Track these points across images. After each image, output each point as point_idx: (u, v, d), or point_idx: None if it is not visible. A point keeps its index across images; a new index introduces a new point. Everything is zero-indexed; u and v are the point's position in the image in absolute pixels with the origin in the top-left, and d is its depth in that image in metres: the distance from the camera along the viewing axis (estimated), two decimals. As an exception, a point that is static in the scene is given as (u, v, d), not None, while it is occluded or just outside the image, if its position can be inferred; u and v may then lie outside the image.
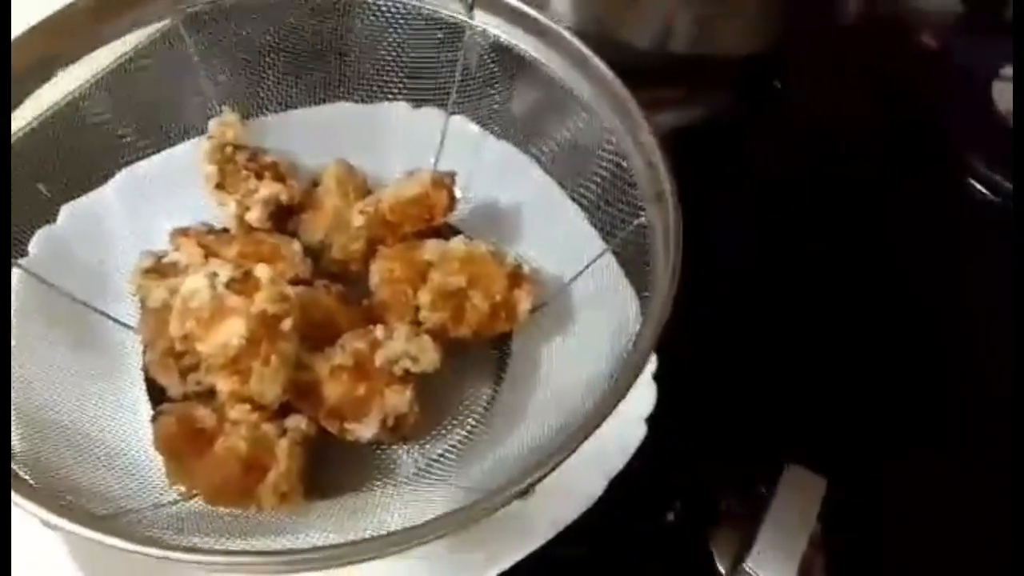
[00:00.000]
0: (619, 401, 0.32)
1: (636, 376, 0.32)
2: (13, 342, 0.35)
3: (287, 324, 0.34)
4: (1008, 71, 0.63)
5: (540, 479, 0.30)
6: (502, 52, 0.44)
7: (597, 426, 0.31)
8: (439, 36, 0.44)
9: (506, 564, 0.35)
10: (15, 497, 0.26)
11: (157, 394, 0.38)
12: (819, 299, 0.47)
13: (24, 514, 0.27)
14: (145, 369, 0.38)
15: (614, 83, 0.39)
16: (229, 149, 0.41)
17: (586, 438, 0.31)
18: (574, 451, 0.30)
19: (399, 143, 0.47)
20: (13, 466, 0.29)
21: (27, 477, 0.29)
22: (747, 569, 0.36)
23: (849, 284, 0.48)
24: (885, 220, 0.52)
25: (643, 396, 0.39)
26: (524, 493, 0.29)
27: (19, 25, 0.37)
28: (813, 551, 0.37)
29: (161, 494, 0.33)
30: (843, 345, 0.45)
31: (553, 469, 0.30)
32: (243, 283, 0.34)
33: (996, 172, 0.57)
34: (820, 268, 0.48)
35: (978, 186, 0.57)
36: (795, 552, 0.36)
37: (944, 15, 0.68)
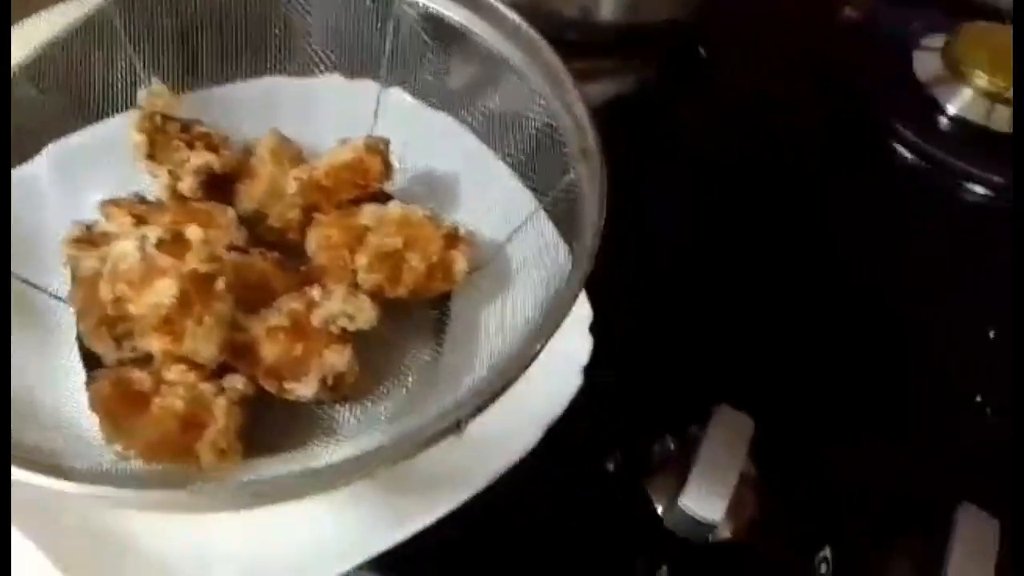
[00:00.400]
0: (547, 338, 0.33)
1: (563, 315, 0.33)
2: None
3: (220, 283, 0.35)
4: (928, 40, 0.65)
5: (471, 414, 0.30)
6: (433, 22, 0.44)
7: (526, 366, 0.32)
8: (368, 5, 0.45)
9: (442, 511, 0.35)
10: None
11: (93, 363, 0.38)
12: (746, 253, 0.48)
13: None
14: (79, 339, 0.38)
15: (544, 49, 0.41)
16: (159, 119, 0.41)
17: (517, 375, 0.31)
18: (505, 388, 0.31)
19: (333, 115, 0.48)
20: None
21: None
22: (682, 506, 0.37)
23: (776, 240, 0.50)
24: (813, 185, 0.54)
25: (580, 347, 0.40)
26: (456, 427, 0.30)
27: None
28: (744, 487, 0.38)
29: (102, 456, 0.33)
30: (767, 291, 0.47)
31: (485, 405, 0.31)
32: (173, 244, 0.34)
33: (919, 136, 0.60)
34: (748, 226, 0.50)
35: (902, 150, 0.59)
36: (726, 488, 0.37)
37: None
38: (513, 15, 0.42)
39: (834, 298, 0.47)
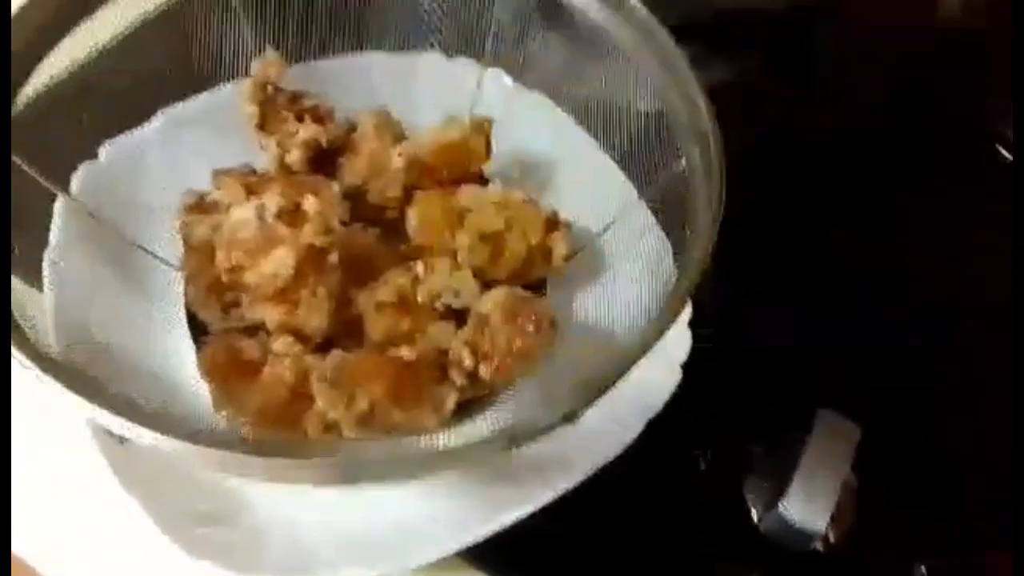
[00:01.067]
0: (660, 335, 0.32)
1: (678, 313, 0.33)
2: (59, 269, 0.35)
3: (333, 257, 0.35)
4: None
5: (586, 405, 0.30)
6: (541, 1, 0.44)
7: (638, 359, 0.32)
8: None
9: (544, 500, 0.35)
10: (86, 405, 0.26)
11: (198, 330, 0.38)
12: (852, 253, 0.47)
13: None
14: (187, 305, 0.38)
15: (657, 29, 0.40)
16: (271, 89, 0.41)
17: (630, 368, 0.31)
18: (618, 379, 0.31)
19: (433, 93, 0.48)
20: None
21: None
22: (782, 512, 0.36)
23: (881, 238, 0.48)
24: (915, 181, 0.52)
25: (678, 342, 0.40)
26: (571, 418, 0.30)
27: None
28: (847, 497, 0.37)
29: (209, 420, 0.34)
30: (877, 293, 0.45)
31: (598, 396, 0.30)
32: (292, 216, 0.34)
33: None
34: (858, 225, 0.48)
35: (1004, 152, 0.57)
36: (829, 497, 0.36)
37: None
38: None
39: (947, 306, 0.46)
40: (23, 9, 0.36)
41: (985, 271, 0.48)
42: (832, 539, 0.37)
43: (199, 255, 0.38)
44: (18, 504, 0.35)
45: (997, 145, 0.57)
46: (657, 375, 0.38)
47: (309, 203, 0.34)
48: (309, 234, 0.34)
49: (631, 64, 0.41)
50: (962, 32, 0.63)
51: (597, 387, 0.31)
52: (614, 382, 0.31)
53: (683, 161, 0.38)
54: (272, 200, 0.34)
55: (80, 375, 0.29)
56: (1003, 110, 0.57)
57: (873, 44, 0.57)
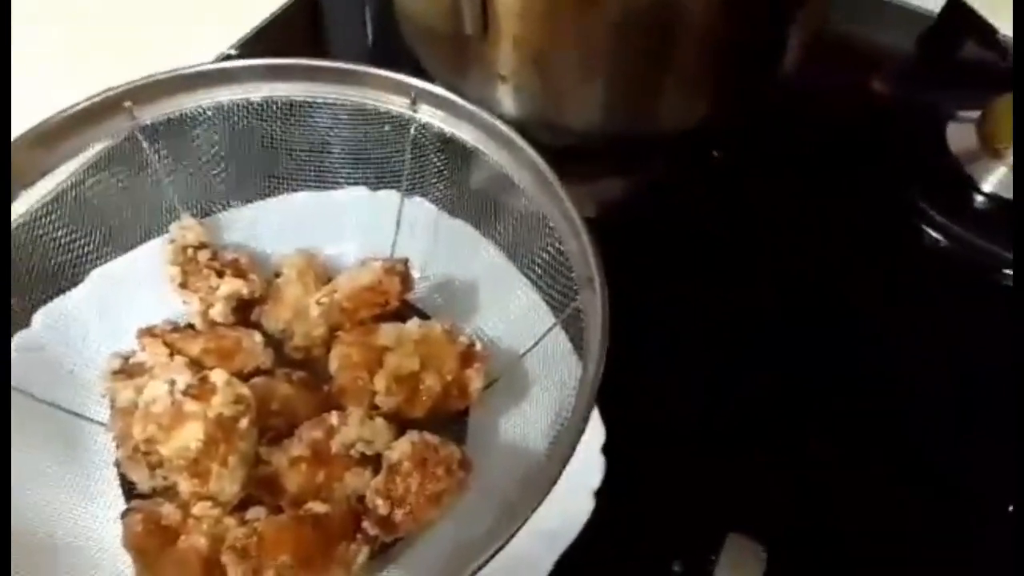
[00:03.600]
0: (554, 480, 0.33)
1: (572, 447, 0.34)
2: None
3: (244, 423, 0.37)
4: (965, 113, 0.64)
5: (480, 567, 0.31)
6: (446, 142, 0.46)
7: (534, 508, 0.33)
8: (386, 129, 0.47)
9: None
10: None
11: (130, 487, 0.40)
12: (762, 368, 0.48)
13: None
14: (117, 464, 0.40)
15: (545, 170, 0.41)
16: (190, 250, 0.44)
17: (520, 526, 0.32)
18: (507, 543, 0.32)
19: (358, 226, 0.50)
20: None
21: None
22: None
23: (793, 347, 0.49)
24: (835, 275, 0.53)
25: (592, 469, 0.41)
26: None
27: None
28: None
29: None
30: (786, 413, 0.46)
31: (494, 555, 0.32)
32: (200, 388, 0.36)
33: (950, 218, 0.58)
34: (765, 333, 0.50)
35: (931, 232, 0.58)
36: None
37: (894, 59, 0.70)
38: (517, 138, 0.43)
39: (857, 406, 0.47)
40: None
41: (894, 374, 0.49)
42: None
43: (125, 418, 0.39)
44: None
45: (922, 224, 0.58)
46: (570, 504, 0.40)
47: (216, 375, 0.36)
48: (217, 405, 0.36)
49: (532, 202, 0.43)
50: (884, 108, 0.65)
51: (491, 549, 0.32)
52: (502, 546, 0.32)
53: (577, 300, 0.40)
54: (182, 376, 0.36)
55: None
56: (926, 185, 0.58)
57: (772, 147, 0.59)
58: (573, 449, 0.35)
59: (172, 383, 0.36)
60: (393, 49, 0.59)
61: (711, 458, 0.43)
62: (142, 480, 0.39)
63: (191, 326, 0.44)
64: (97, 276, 0.45)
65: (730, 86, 0.52)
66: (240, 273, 0.44)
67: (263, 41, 0.63)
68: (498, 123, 0.43)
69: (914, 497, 0.43)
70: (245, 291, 0.44)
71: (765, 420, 0.45)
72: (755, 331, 0.49)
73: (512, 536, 0.33)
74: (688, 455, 0.43)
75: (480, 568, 0.32)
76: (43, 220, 0.42)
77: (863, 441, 0.45)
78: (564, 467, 0.34)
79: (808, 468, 0.44)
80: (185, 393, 0.36)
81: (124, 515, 0.37)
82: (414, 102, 0.45)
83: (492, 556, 0.32)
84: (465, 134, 0.45)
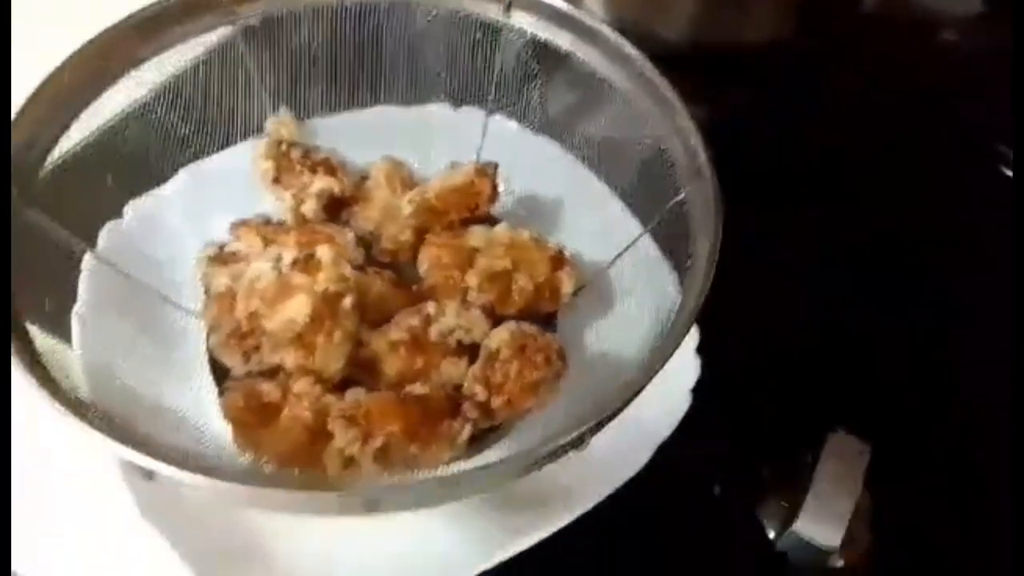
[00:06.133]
0: (665, 361, 0.33)
1: (681, 338, 0.34)
2: (87, 323, 0.37)
3: (348, 302, 0.36)
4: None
5: (594, 429, 0.31)
6: (539, 49, 0.46)
7: (647, 381, 0.32)
8: (478, 36, 0.46)
9: (554, 527, 0.36)
10: (117, 448, 0.27)
11: (221, 376, 0.40)
12: (857, 271, 0.48)
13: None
14: (209, 351, 0.40)
15: (652, 73, 0.41)
16: (284, 146, 0.43)
17: (636, 394, 0.32)
18: (627, 404, 0.31)
19: (441, 142, 0.49)
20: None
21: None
22: (797, 531, 0.37)
23: (885, 259, 0.49)
24: (916, 198, 0.53)
25: (687, 368, 0.40)
26: (579, 442, 0.30)
27: (94, 29, 0.39)
28: (859, 517, 0.38)
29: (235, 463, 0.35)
30: (883, 311, 0.46)
31: (607, 421, 0.31)
32: (306, 264, 0.36)
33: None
34: (854, 244, 0.49)
35: (1006, 171, 0.58)
36: (843, 513, 0.37)
37: (964, 15, 0.70)
38: (619, 38, 0.43)
39: (955, 323, 0.46)
40: (51, 75, 0.38)
41: (990, 287, 0.49)
42: (846, 559, 0.37)
43: (220, 303, 0.39)
44: (46, 539, 0.37)
45: (999, 165, 0.58)
46: (666, 402, 0.39)
47: (323, 251, 0.36)
48: (323, 281, 0.35)
49: (630, 106, 0.43)
50: (961, 53, 0.65)
51: (604, 414, 0.32)
52: (621, 409, 0.32)
53: (682, 195, 0.40)
54: (288, 250, 0.36)
55: (110, 419, 0.31)
56: (1003, 128, 0.58)
57: (869, 69, 0.58)
58: (680, 341, 0.34)
59: (278, 258, 0.36)
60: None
61: (809, 356, 0.43)
62: (236, 365, 0.39)
63: (282, 223, 0.44)
64: (189, 172, 0.45)
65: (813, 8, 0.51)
66: (331, 171, 0.44)
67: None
68: (597, 23, 0.43)
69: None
70: (336, 188, 0.43)
71: (861, 319, 0.45)
72: (845, 247, 0.49)
73: (618, 413, 0.32)
74: (785, 354, 0.43)
75: (584, 435, 0.31)
76: (140, 111, 0.42)
77: (976, 336, 0.45)
78: (668, 358, 0.34)
79: (914, 363, 0.43)
80: (292, 267, 0.35)
81: (222, 392, 0.37)
82: (508, 7, 0.45)
83: (591, 434, 0.32)
84: (559, 39, 0.45)
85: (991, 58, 0.64)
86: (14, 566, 0.36)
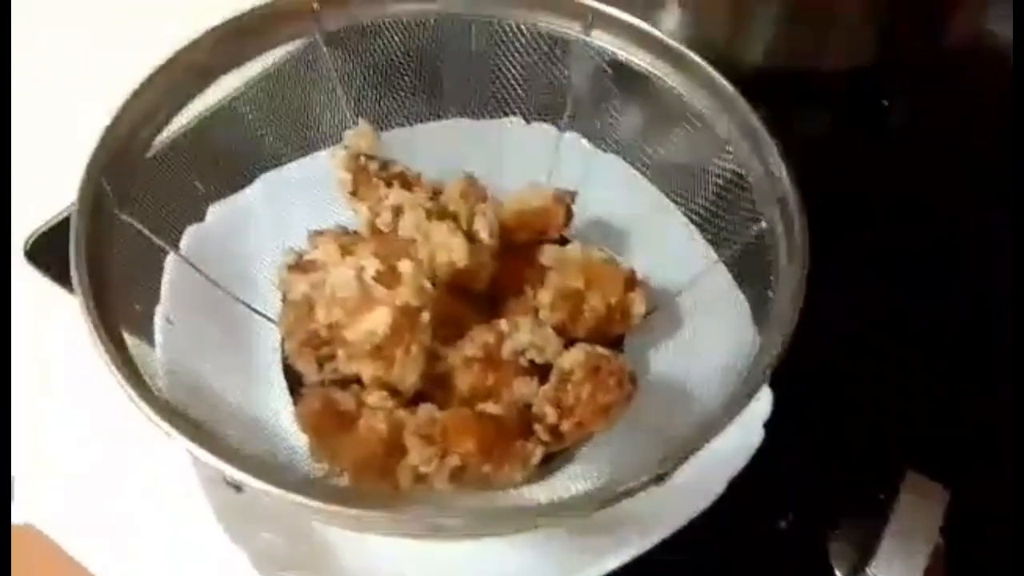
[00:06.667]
0: (749, 399, 0.33)
1: (765, 379, 0.33)
2: (169, 322, 0.38)
3: (425, 316, 0.36)
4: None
5: (675, 467, 0.31)
6: (617, 68, 0.46)
7: (726, 424, 0.32)
8: (558, 53, 0.46)
9: (626, 556, 0.35)
10: (196, 450, 0.28)
11: (294, 383, 0.40)
12: (940, 304, 0.46)
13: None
14: (284, 357, 0.40)
15: (735, 97, 0.41)
16: (362, 158, 0.44)
17: (719, 431, 0.32)
18: (707, 441, 0.31)
19: (514, 158, 0.50)
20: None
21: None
22: (869, 574, 0.36)
23: (969, 291, 0.48)
24: (1000, 234, 0.52)
25: (760, 401, 0.40)
26: (661, 479, 0.30)
27: (187, 35, 0.40)
28: (935, 563, 0.37)
29: (306, 468, 0.35)
30: (966, 350, 0.45)
31: (687, 458, 0.31)
32: (388, 276, 0.36)
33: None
34: (938, 278, 0.48)
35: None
36: (918, 562, 0.36)
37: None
38: (703, 63, 0.43)
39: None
40: (150, 77, 0.39)
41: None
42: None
43: (297, 311, 0.40)
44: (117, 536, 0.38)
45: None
46: (739, 434, 0.39)
47: (404, 265, 0.36)
48: (404, 294, 0.36)
49: (707, 127, 0.43)
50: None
51: (685, 449, 0.31)
52: (702, 445, 0.31)
53: (763, 223, 0.39)
54: (371, 262, 0.36)
55: (198, 426, 0.31)
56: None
57: (946, 92, 0.57)
58: (768, 372, 0.34)
59: (361, 268, 0.36)
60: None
61: (887, 394, 0.42)
62: (310, 373, 0.39)
63: (358, 233, 0.44)
64: (270, 178, 0.45)
65: (902, 30, 0.51)
66: (407, 185, 0.44)
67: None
68: (680, 46, 0.43)
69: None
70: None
71: (943, 355, 0.44)
72: (925, 279, 0.47)
73: (692, 454, 0.32)
74: (863, 391, 0.42)
75: (670, 471, 0.31)
76: (225, 115, 0.43)
77: None
78: (748, 402, 0.33)
79: (992, 406, 0.42)
80: (374, 279, 0.36)
81: (299, 399, 0.37)
82: (589, 25, 0.45)
83: (673, 469, 0.31)
84: (639, 59, 0.44)
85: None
86: (93, 569, 0.37)
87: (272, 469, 0.29)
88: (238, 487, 0.27)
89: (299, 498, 0.28)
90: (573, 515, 0.30)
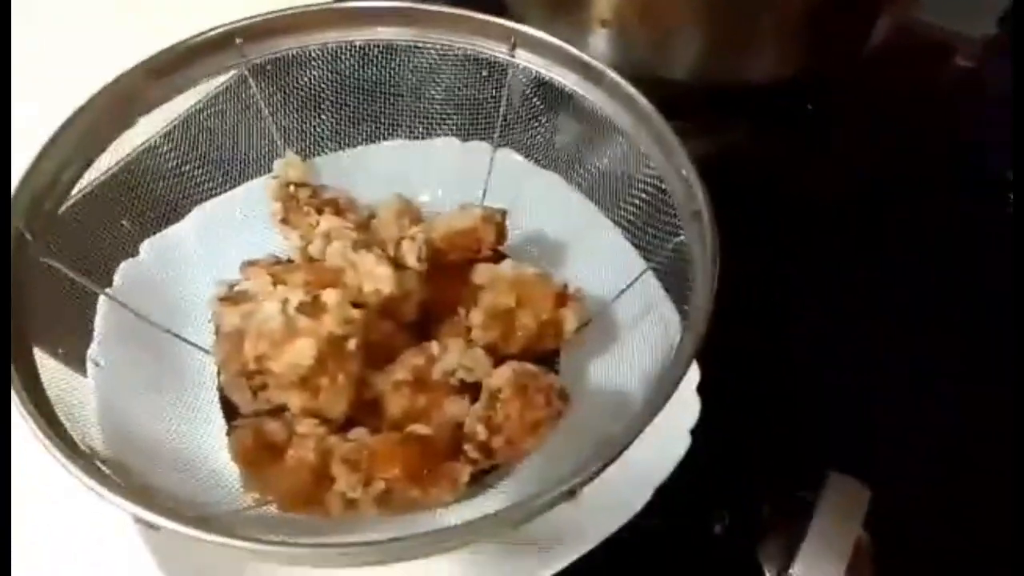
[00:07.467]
0: (661, 407, 0.33)
1: (678, 383, 0.34)
2: (101, 364, 0.38)
3: (352, 344, 0.37)
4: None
5: (586, 481, 0.31)
6: (544, 87, 0.46)
7: (640, 431, 0.33)
8: (484, 74, 0.47)
9: (551, 570, 0.36)
10: (110, 496, 0.28)
11: (231, 412, 0.41)
12: (858, 309, 0.48)
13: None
14: (220, 388, 0.41)
15: (652, 114, 0.42)
16: (292, 187, 0.44)
17: (630, 442, 0.32)
18: (619, 455, 0.32)
19: (449, 175, 0.50)
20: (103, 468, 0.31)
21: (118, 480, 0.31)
22: (794, 573, 0.37)
23: (888, 294, 0.49)
24: (921, 236, 0.53)
25: (687, 408, 0.41)
26: (571, 494, 0.31)
27: (106, 76, 0.40)
28: (859, 559, 0.38)
29: (239, 500, 0.36)
30: (883, 352, 0.46)
31: (598, 472, 0.32)
32: (312, 307, 0.37)
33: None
34: (856, 282, 0.49)
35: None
36: (841, 559, 0.37)
37: (977, 39, 0.69)
38: (621, 80, 0.43)
39: (955, 359, 0.46)
40: (68, 121, 0.39)
41: (989, 323, 0.49)
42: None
43: (230, 342, 0.40)
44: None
45: (1005, 192, 0.57)
46: (666, 442, 0.40)
47: (328, 295, 0.37)
48: (329, 324, 0.36)
49: (631, 145, 0.44)
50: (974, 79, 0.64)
51: (600, 461, 0.32)
52: (616, 456, 0.32)
53: (681, 236, 0.40)
54: (295, 294, 0.37)
55: (120, 469, 0.32)
56: (1004, 154, 0.58)
57: (866, 101, 0.58)
58: (675, 387, 0.35)
59: (285, 301, 0.37)
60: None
61: (809, 397, 0.43)
62: (244, 403, 0.40)
63: (291, 261, 0.45)
64: (202, 211, 0.46)
65: (827, 38, 0.52)
66: (338, 212, 0.45)
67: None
68: (600, 65, 0.43)
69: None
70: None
71: (863, 356, 0.45)
72: (848, 284, 0.49)
73: (604, 468, 0.32)
74: (785, 395, 0.43)
75: (580, 485, 0.32)
76: (154, 151, 0.44)
77: (977, 377, 0.45)
78: (663, 406, 0.34)
79: (918, 406, 0.43)
80: (298, 310, 0.36)
81: (231, 430, 0.38)
82: (513, 47, 0.46)
83: (583, 485, 0.32)
84: (564, 78, 0.45)
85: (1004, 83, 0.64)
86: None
87: (190, 506, 0.30)
88: (155, 526, 0.28)
89: (199, 534, 0.28)
90: (487, 536, 0.31)
